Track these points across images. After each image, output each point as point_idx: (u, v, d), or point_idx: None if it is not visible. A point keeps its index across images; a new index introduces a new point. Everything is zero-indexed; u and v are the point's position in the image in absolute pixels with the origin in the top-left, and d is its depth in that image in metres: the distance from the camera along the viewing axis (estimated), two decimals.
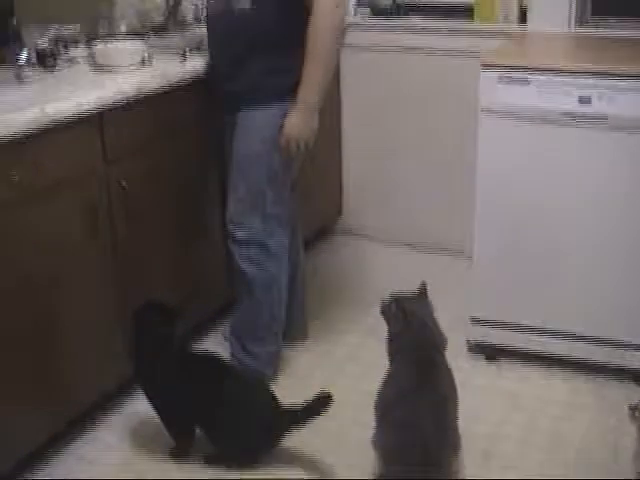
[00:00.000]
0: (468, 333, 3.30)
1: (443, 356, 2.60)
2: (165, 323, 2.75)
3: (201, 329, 3.41)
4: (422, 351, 2.55)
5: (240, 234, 3.00)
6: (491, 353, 3.29)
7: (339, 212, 4.43)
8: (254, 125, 2.92)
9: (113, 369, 2.91)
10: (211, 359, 2.82)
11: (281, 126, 2.87)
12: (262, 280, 3.03)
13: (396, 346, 2.59)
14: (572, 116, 2.95)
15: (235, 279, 3.10)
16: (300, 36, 2.79)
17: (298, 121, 2.87)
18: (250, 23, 2.86)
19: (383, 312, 2.63)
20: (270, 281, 3.05)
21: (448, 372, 2.59)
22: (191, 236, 3.24)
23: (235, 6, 2.86)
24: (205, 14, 3.17)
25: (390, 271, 3.97)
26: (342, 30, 2.89)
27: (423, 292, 2.65)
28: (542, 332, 3.18)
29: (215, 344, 3.31)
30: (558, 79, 2.96)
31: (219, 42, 3.01)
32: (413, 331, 2.56)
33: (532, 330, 3.19)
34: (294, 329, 3.33)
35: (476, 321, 3.26)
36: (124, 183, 2.83)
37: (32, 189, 2.51)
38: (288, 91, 2.84)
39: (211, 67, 3.10)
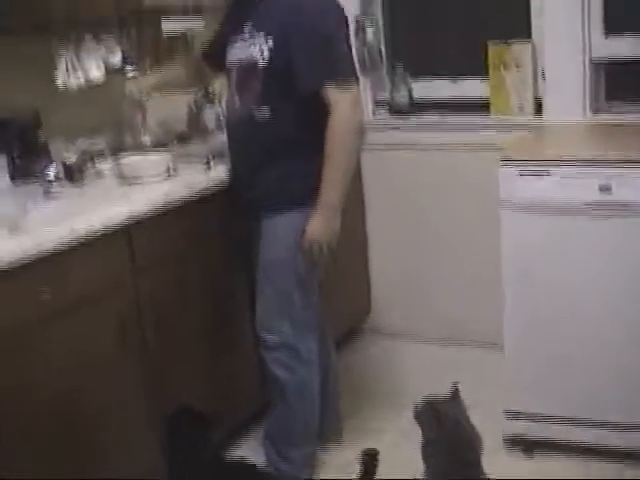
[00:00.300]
0: (504, 427, 3.26)
1: (479, 457, 2.56)
2: (198, 429, 2.74)
3: (235, 435, 3.38)
4: (456, 454, 2.52)
5: (270, 339, 3.00)
6: (528, 446, 3.24)
7: (368, 310, 4.43)
8: (277, 231, 2.94)
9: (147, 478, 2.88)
10: (246, 467, 2.79)
11: (304, 230, 2.90)
12: (294, 385, 3.01)
13: (430, 451, 2.56)
14: (594, 205, 2.96)
15: (267, 384, 3.10)
16: (319, 140, 2.82)
17: (320, 224, 2.88)
18: (268, 130, 2.90)
19: (416, 417, 2.60)
20: (302, 386, 3.03)
21: (483, 474, 2.55)
22: (221, 343, 3.25)
23: (253, 114, 2.91)
24: (225, 122, 3.23)
25: (422, 368, 3.95)
26: (361, 131, 2.93)
27: (455, 393, 2.63)
28: (579, 422, 3.13)
29: (250, 450, 3.28)
30: (577, 169, 2.99)
31: (238, 149, 3.06)
32: (447, 435, 2.53)
33: (569, 421, 3.14)
34: (329, 430, 3.30)
35: (511, 414, 3.22)
36: (153, 295, 2.86)
37: (62, 304, 2.54)
38: (309, 195, 2.86)
39: (231, 174, 3.15)
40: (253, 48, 2.88)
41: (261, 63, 2.86)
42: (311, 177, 2.85)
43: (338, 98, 2.79)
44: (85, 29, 3.31)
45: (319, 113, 2.81)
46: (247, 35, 2.92)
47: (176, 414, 2.75)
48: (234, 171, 3.13)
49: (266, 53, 2.85)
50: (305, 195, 2.88)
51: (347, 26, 2.94)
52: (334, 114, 2.80)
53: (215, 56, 3.20)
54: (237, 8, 3.07)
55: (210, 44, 3.32)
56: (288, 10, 2.83)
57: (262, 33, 2.86)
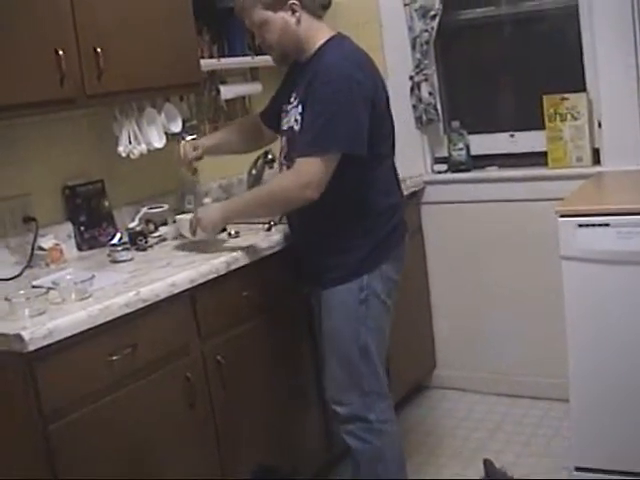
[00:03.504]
0: None
1: None
2: None
3: None
4: None
5: (341, 411, 2.97)
6: None
7: (433, 365, 4.43)
8: (335, 302, 2.91)
9: None
10: None
11: (361, 300, 2.87)
12: (367, 455, 2.96)
13: None
14: None
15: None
16: (361, 216, 2.86)
17: (211, 210, 3.02)
18: (312, 209, 2.80)
19: None
20: (375, 456, 2.96)
21: None
22: (287, 401, 3.26)
23: None
24: None
25: (488, 423, 3.92)
26: (289, 204, 2.87)
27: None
28: None
29: None
30: (637, 219, 2.96)
31: (293, 216, 3.06)
32: None
33: (634, 476, 3.06)
34: None
35: (580, 470, 3.17)
36: (219, 357, 2.88)
37: (130, 369, 2.58)
38: (362, 265, 2.86)
39: (291, 240, 3.16)
40: (292, 115, 2.89)
41: (296, 129, 2.86)
42: (362, 248, 2.87)
43: (302, 161, 2.75)
44: (146, 98, 3.39)
45: (355, 193, 2.84)
46: (291, 101, 2.92)
47: (259, 472, 2.77)
48: (293, 237, 3.14)
49: (299, 119, 2.84)
50: (359, 265, 2.87)
51: (371, 96, 2.79)
52: (292, 171, 2.79)
53: (273, 120, 3.19)
54: (289, 74, 3.08)
55: (268, 108, 3.30)
56: (311, 77, 2.80)
57: (297, 99, 2.88)
